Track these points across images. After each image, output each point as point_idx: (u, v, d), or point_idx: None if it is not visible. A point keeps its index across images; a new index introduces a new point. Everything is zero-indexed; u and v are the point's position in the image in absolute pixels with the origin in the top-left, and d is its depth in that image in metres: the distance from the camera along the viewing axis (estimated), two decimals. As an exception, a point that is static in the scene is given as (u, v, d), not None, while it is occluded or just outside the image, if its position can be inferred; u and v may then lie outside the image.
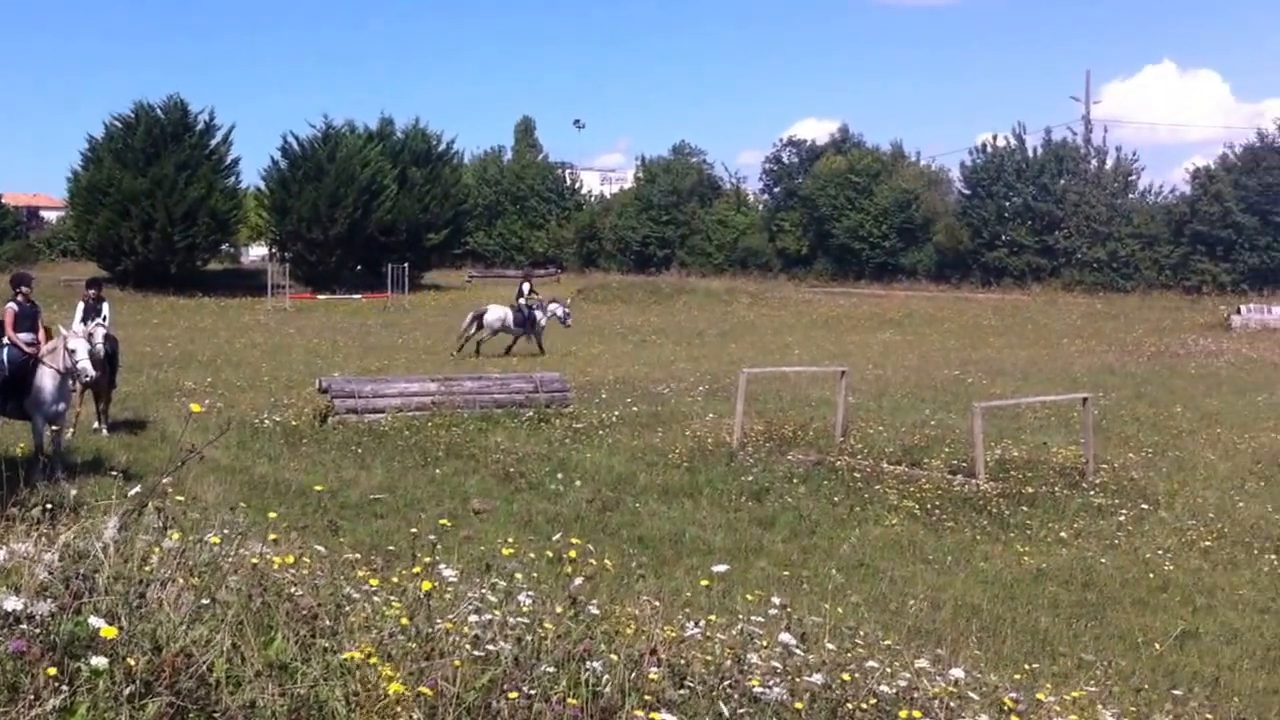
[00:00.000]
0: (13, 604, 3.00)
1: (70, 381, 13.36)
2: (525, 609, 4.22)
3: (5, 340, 13.72)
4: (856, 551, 11.01)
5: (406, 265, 51.27)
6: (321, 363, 25.36)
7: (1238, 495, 13.47)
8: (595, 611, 4.16)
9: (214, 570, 3.73)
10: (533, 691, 3.25)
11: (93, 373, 13.42)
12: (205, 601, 3.35)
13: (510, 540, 6.23)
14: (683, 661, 4.03)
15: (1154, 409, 20.00)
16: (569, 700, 3.20)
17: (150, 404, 18.15)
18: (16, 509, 4.27)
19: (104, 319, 15.95)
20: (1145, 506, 12.77)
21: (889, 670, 4.41)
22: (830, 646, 4.50)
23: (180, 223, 52.02)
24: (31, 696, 2.68)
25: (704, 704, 3.68)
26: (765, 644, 4.42)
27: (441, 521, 5.04)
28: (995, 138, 63.62)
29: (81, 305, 16.42)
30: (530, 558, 5.97)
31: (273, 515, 5.24)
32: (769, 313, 45.68)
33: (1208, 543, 11.45)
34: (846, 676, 4.09)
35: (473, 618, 3.93)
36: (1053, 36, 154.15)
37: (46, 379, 13.05)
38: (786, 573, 9.64)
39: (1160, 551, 11.19)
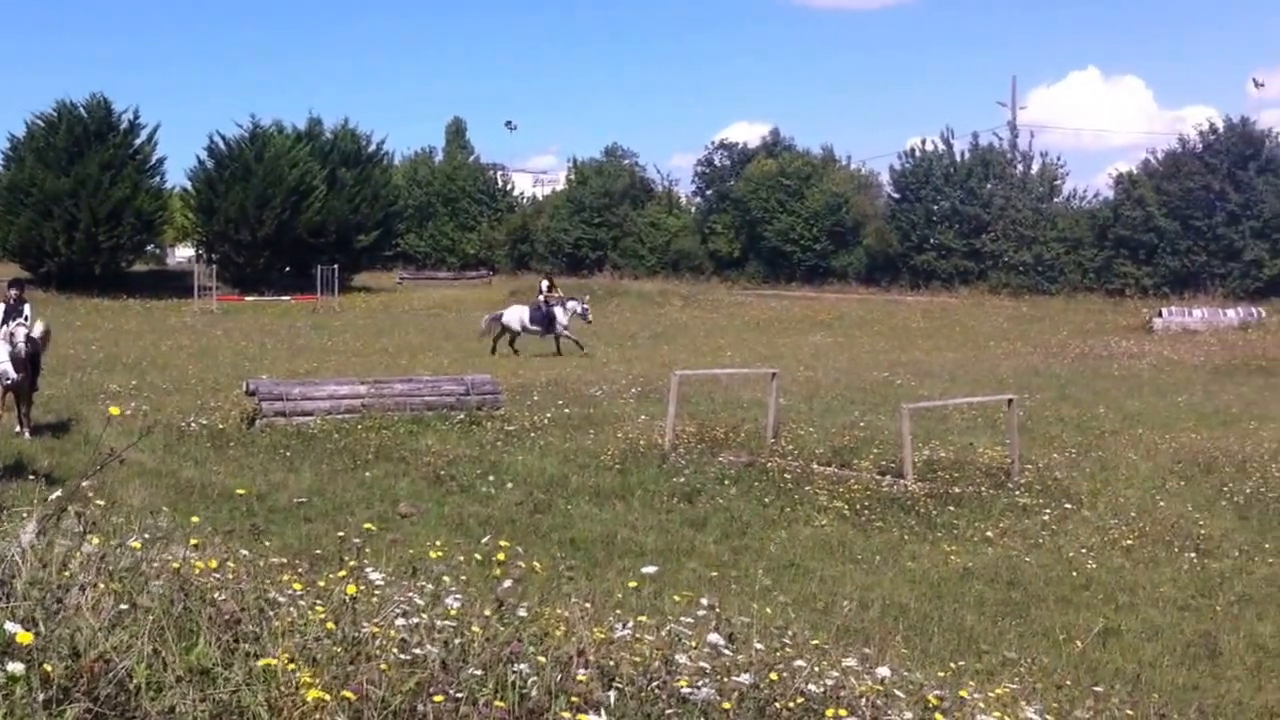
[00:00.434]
0: (-74, 611, 2.94)
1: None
2: (453, 612, 4.20)
3: None
4: (786, 552, 11.09)
5: (336, 267, 50.88)
6: (249, 365, 25.10)
7: (1158, 494, 13.71)
8: (524, 614, 4.16)
9: (135, 575, 3.67)
10: (459, 694, 3.24)
11: (14, 375, 13.19)
12: (125, 607, 3.30)
13: (440, 543, 6.22)
14: (611, 663, 4.03)
15: (1078, 410, 20.30)
16: (496, 703, 3.19)
17: (74, 407, 17.86)
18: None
19: (25, 319, 15.67)
20: (1069, 506, 12.96)
21: (817, 669, 4.43)
22: (759, 646, 4.51)
23: (104, 223, 51.27)
24: (-55, 704, 2.63)
25: (632, 705, 3.68)
26: (694, 644, 4.43)
27: (366, 525, 5.01)
28: (924, 142, 64.31)
29: (2, 306, 16.12)
30: (459, 560, 5.96)
31: (196, 519, 5.17)
32: (701, 315, 45.83)
33: (1129, 541, 11.65)
34: (774, 676, 4.11)
35: (400, 621, 3.90)
36: (980, 42, 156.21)
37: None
38: (715, 573, 9.67)
39: (1083, 550, 11.37)
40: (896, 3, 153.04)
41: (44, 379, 16.75)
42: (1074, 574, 10.62)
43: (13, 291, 16.33)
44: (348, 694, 2.98)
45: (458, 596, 4.46)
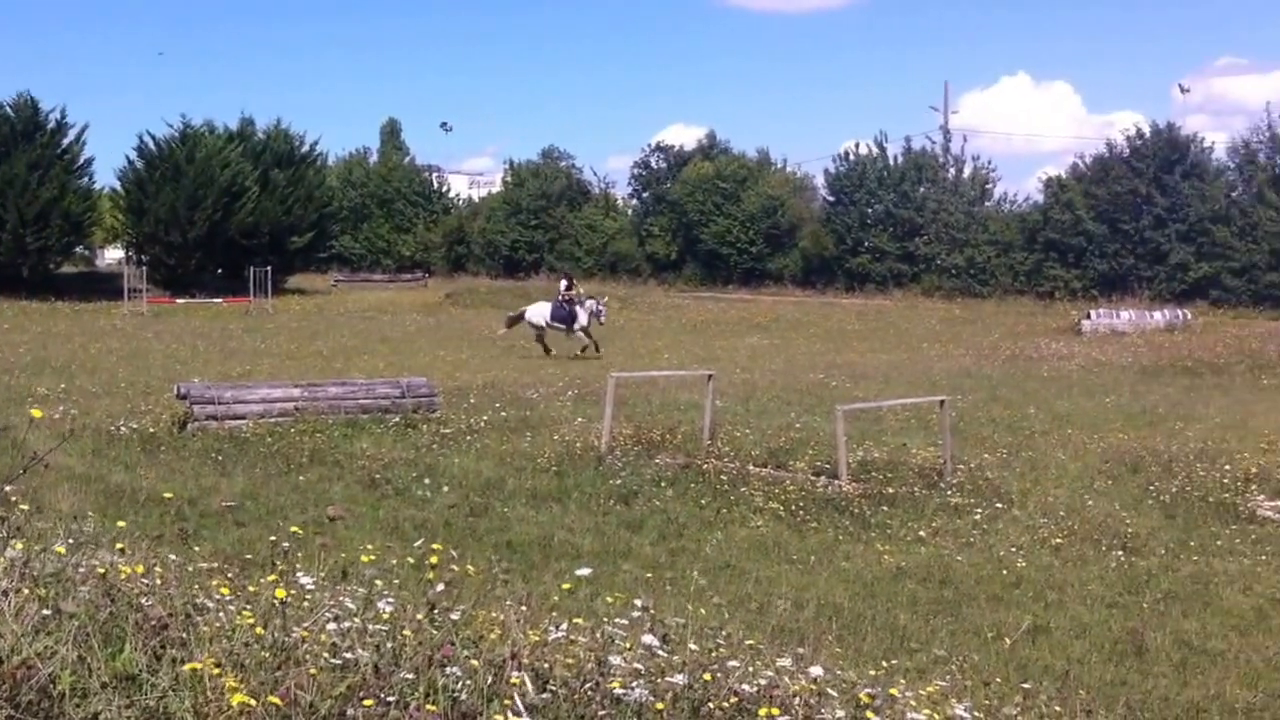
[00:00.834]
0: None
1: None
2: (386, 616, 4.18)
3: None
4: (722, 553, 11.13)
5: (269, 269, 50.43)
6: (181, 368, 24.82)
7: (1087, 494, 13.90)
8: (456, 617, 4.14)
9: (60, 581, 3.63)
10: (391, 699, 3.23)
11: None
12: (49, 612, 3.26)
13: (374, 547, 6.18)
14: (546, 665, 4.03)
15: (1009, 411, 20.54)
16: (427, 706, 3.19)
17: (1, 411, 17.55)
18: None
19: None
20: (1000, 505, 13.11)
21: (751, 669, 4.46)
22: (693, 647, 4.53)
23: (32, 224, 50.46)
24: None
25: (565, 707, 3.69)
26: (629, 646, 4.45)
27: (294, 529, 4.97)
28: (858, 146, 64.91)
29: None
30: (393, 564, 5.92)
31: (122, 524, 5.10)
32: (638, 317, 45.87)
33: (1058, 540, 11.80)
34: (708, 676, 4.13)
35: (331, 625, 3.88)
36: (913, 47, 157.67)
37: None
38: (651, 575, 9.69)
39: (1013, 549, 11.50)
40: (831, 6, 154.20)
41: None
42: (1004, 572, 10.74)
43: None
44: (274, 699, 2.96)
45: (390, 600, 4.44)
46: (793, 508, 12.61)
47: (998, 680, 6.63)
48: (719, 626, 5.80)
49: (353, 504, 12.39)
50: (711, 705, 3.96)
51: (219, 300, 49.48)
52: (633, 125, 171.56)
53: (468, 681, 3.45)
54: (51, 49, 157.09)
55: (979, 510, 12.84)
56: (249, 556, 7.42)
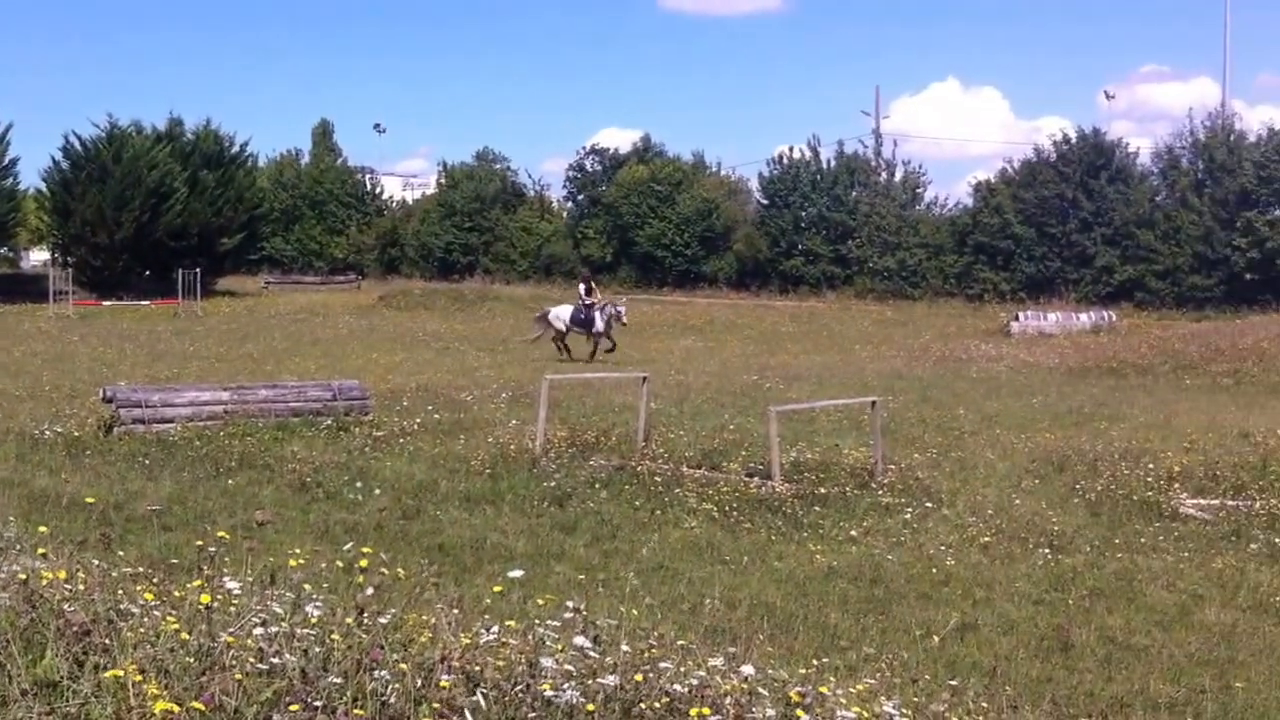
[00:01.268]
0: None
1: None
2: (314, 620, 4.15)
3: None
4: (656, 554, 11.14)
5: (198, 271, 49.82)
6: (108, 371, 24.46)
7: (1015, 493, 14.07)
8: (386, 621, 4.12)
9: (-21, 587, 3.57)
10: (318, 703, 3.21)
11: None
12: (-32, 620, 3.20)
13: (302, 551, 6.13)
14: (476, 668, 4.02)
15: (939, 411, 20.74)
16: (355, 711, 3.17)
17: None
18: None
19: None
20: (929, 505, 13.23)
21: (682, 669, 4.47)
22: (626, 648, 4.53)
23: (-46, 226, 49.56)
24: None
25: (496, 709, 3.68)
26: (561, 648, 4.44)
27: (221, 533, 4.92)
28: (791, 149, 65.36)
29: None
30: (322, 568, 5.88)
31: (44, 530, 5.03)
32: (572, 319, 45.76)
33: (987, 538, 11.93)
34: (640, 677, 4.14)
35: (258, 630, 3.85)
36: (845, 52, 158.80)
37: None
38: (584, 577, 9.69)
39: (943, 547, 11.61)
40: (764, 11, 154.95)
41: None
42: (934, 571, 10.85)
43: None
44: (197, 705, 2.93)
45: (319, 604, 4.40)
46: (726, 508, 12.65)
47: (926, 677, 6.70)
48: (651, 627, 5.81)
49: (283, 508, 12.27)
50: (643, 706, 3.97)
51: (147, 302, 48.84)
52: (567, 128, 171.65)
53: (397, 685, 3.44)
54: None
55: (909, 510, 12.96)
56: (175, 562, 7.32)
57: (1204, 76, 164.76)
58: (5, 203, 52.83)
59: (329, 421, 17.07)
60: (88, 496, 11.71)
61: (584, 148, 74.89)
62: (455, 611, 4.71)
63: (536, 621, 4.79)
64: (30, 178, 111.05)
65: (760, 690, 4.38)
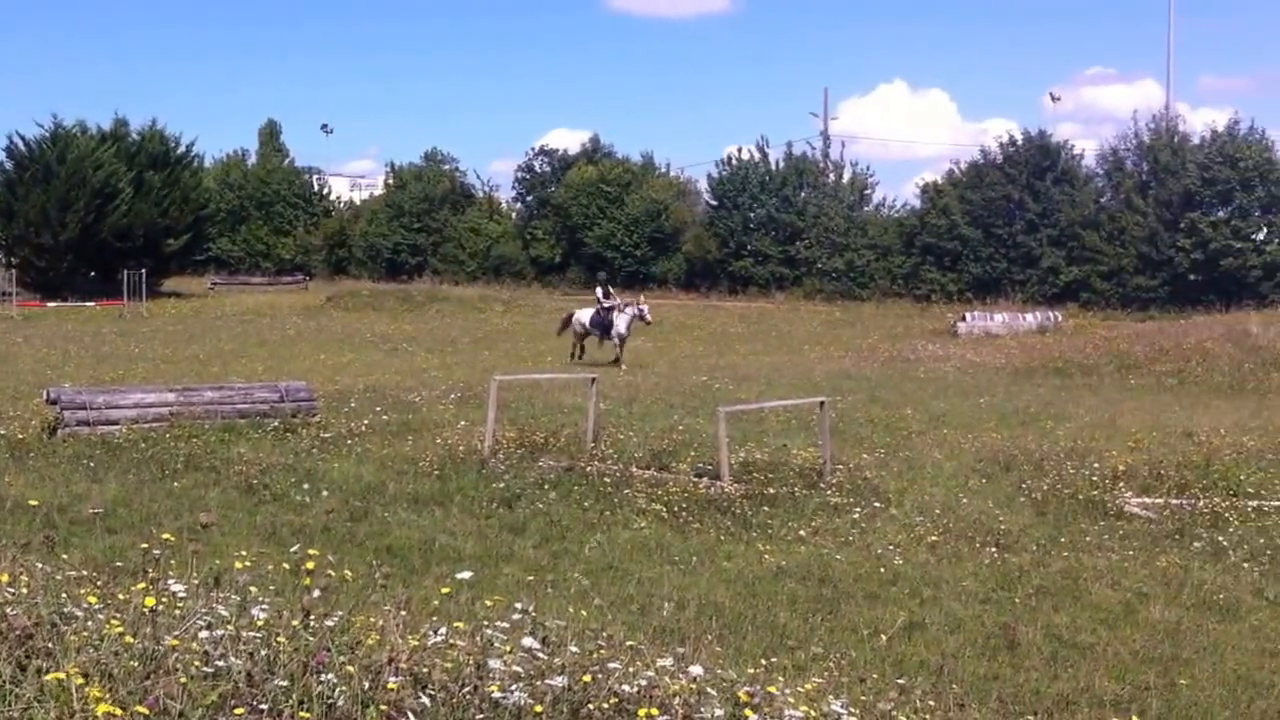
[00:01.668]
0: None
1: None
2: (260, 623, 4.12)
3: None
4: (605, 554, 11.14)
5: (144, 272, 49.27)
6: (52, 373, 24.16)
7: (962, 492, 14.19)
8: (332, 623, 4.10)
9: (-83, 592, 3.52)
10: (264, 706, 3.19)
11: None
12: (-95, 625, 3.16)
13: (247, 553, 6.08)
14: (424, 670, 4.01)
15: (887, 411, 20.87)
16: (301, 714, 3.15)
17: None
18: None
19: None
20: (878, 504, 13.32)
21: (631, 670, 4.48)
22: (574, 649, 4.54)
23: (-106, 226, 48.78)
24: None
25: (444, 711, 3.67)
26: (509, 649, 4.44)
27: (166, 536, 4.87)
28: (740, 150, 65.59)
29: None
30: (269, 570, 5.84)
31: (-15, 533, 4.96)
32: (522, 320, 45.72)
33: (934, 538, 12.02)
34: (588, 678, 4.14)
35: (204, 633, 3.82)
36: (793, 54, 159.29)
37: None
38: (533, 578, 9.68)
39: (891, 547, 11.69)
40: (712, 12, 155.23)
41: None
42: (882, 570, 10.91)
43: None
44: (141, 709, 2.90)
45: (265, 607, 4.37)
46: (675, 509, 12.67)
47: (874, 676, 6.73)
48: (600, 628, 5.82)
49: (229, 510, 12.17)
50: (591, 707, 3.98)
51: (92, 303, 48.39)
52: (516, 129, 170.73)
53: (344, 687, 3.42)
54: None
55: (857, 509, 13.03)
56: (120, 564, 7.24)
57: (1148, 79, 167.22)
58: (-53, 203, 52.17)
59: (276, 423, 16.95)
60: (31, 499, 11.57)
61: (533, 148, 74.96)
62: (403, 613, 4.69)
63: (485, 623, 4.78)
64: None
65: (709, 690, 4.39)
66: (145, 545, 5.17)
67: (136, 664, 3.29)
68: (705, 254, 63.96)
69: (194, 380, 21.35)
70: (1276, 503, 13.71)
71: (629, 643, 5.35)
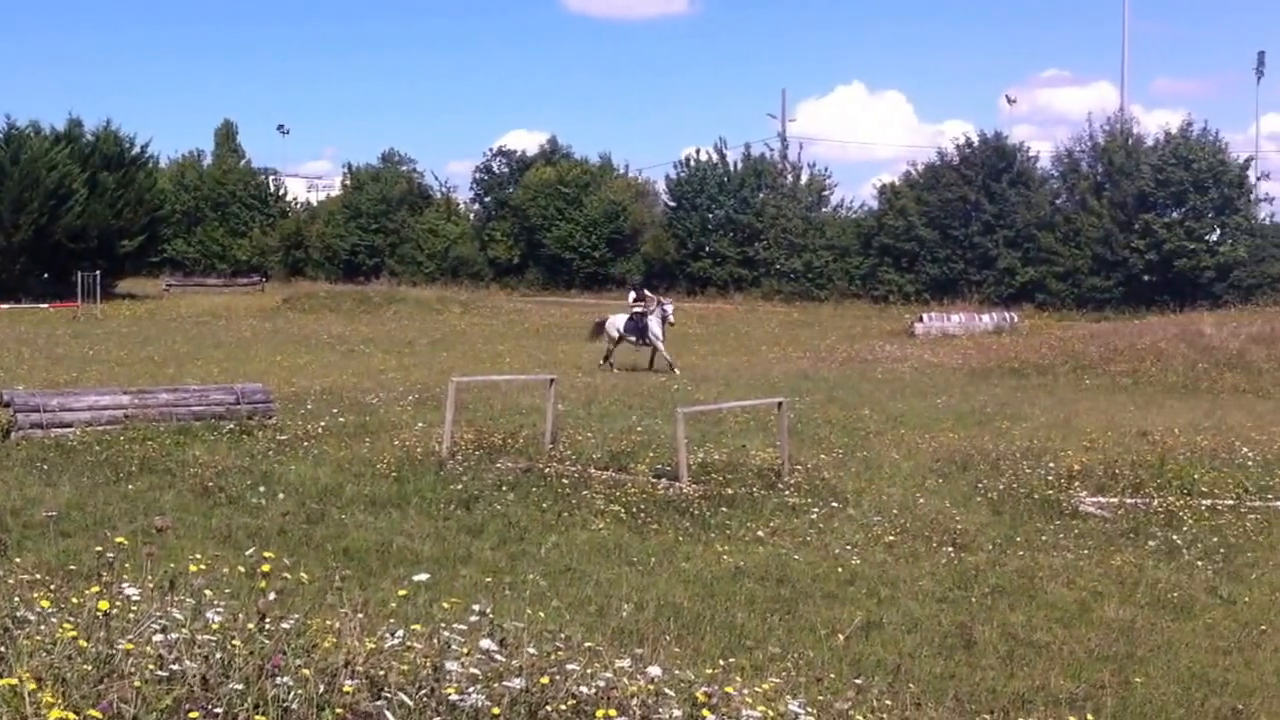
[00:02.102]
0: None
1: None
2: (215, 626, 4.10)
3: None
4: (563, 556, 11.13)
5: (98, 273, 48.79)
6: (4, 375, 23.87)
7: (919, 492, 14.27)
8: (288, 626, 4.08)
9: None
10: (219, 710, 3.17)
11: None
12: None
13: (202, 556, 6.04)
14: (381, 672, 4.00)
15: (844, 412, 20.96)
16: (256, 717, 3.14)
17: None
18: None
19: None
20: (835, 504, 13.36)
21: (589, 671, 4.48)
22: (532, 651, 4.54)
23: None
24: None
25: (401, 714, 3.66)
26: (466, 651, 4.43)
27: (120, 539, 4.83)
28: (698, 152, 65.71)
29: None
30: (224, 573, 5.80)
31: (-66, 537, 4.91)
32: (480, 321, 45.63)
33: (891, 537, 12.08)
34: (546, 680, 4.14)
35: (158, 637, 3.79)
36: (751, 55, 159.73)
37: None
38: (491, 579, 9.66)
39: (848, 547, 11.73)
40: (670, 14, 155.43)
41: None
42: (839, 570, 10.95)
43: None
44: (94, 713, 2.88)
45: (220, 610, 4.35)
46: (634, 510, 12.68)
47: (831, 676, 6.77)
48: (558, 629, 5.82)
49: (184, 513, 12.07)
50: (549, 708, 3.98)
51: (45, 305, 47.94)
52: (474, 129, 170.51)
53: (299, 691, 3.41)
54: None
55: (815, 510, 13.08)
56: (73, 568, 7.18)
57: (1103, 81, 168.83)
58: (-104, 204, 51.42)
59: (232, 425, 16.85)
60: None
61: (491, 149, 74.68)
62: (360, 616, 4.68)
63: (442, 625, 4.77)
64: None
65: (667, 691, 4.40)
66: (99, 549, 5.12)
67: (90, 668, 3.26)
68: (664, 255, 64.06)
69: (149, 382, 21.16)
70: (1230, 501, 13.86)
71: (587, 644, 5.35)
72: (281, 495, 13.05)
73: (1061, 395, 25.29)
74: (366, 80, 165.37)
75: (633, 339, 29.11)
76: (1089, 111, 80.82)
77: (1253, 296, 47.37)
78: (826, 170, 65.77)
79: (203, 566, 4.81)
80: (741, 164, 64.69)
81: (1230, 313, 39.59)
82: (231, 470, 14.23)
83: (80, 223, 54.31)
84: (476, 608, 4.96)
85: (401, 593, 5.54)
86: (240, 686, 3.37)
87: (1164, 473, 14.92)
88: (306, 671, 3.56)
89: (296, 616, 4.39)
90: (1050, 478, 14.70)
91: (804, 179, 64.74)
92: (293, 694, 3.36)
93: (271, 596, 4.18)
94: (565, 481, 13.82)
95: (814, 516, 12.83)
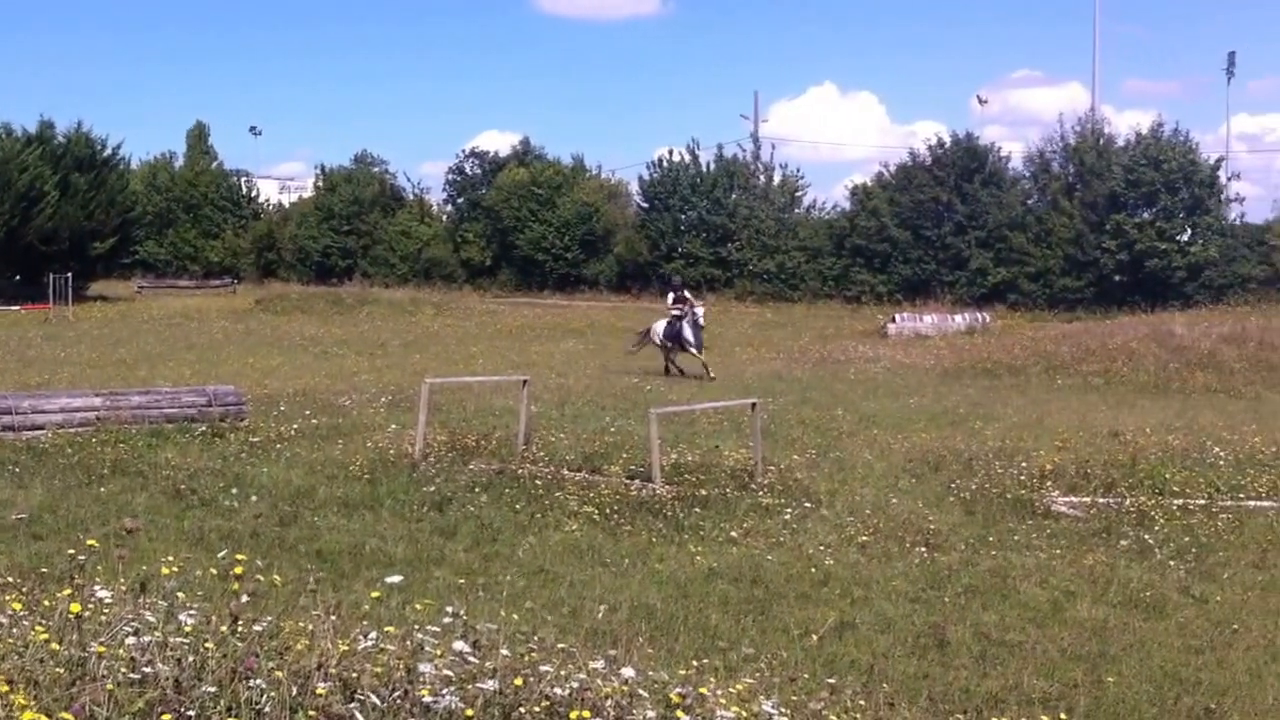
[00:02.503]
0: None
1: None
2: (188, 628, 4.09)
3: None
4: (537, 557, 11.12)
5: (70, 275, 48.51)
6: (-27, 378, 23.73)
7: (892, 492, 14.31)
8: (260, 628, 4.07)
9: None
10: (191, 713, 3.17)
11: None
12: None
13: (175, 558, 6.02)
14: (354, 675, 3.99)
15: (817, 412, 21.02)
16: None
17: None
18: None
19: None
20: (809, 505, 13.39)
21: (563, 673, 4.49)
22: (505, 652, 4.53)
23: None
24: None
25: (374, 716, 3.66)
26: (440, 653, 4.43)
27: (91, 542, 4.81)
28: (671, 153, 65.80)
29: None
30: (197, 575, 5.78)
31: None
32: (453, 323, 45.53)
33: (865, 538, 12.11)
34: (520, 681, 4.15)
35: (130, 640, 3.78)
36: (723, 56, 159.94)
37: None
38: (464, 581, 9.64)
39: (822, 547, 11.76)
40: (642, 15, 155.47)
41: None
42: (813, 570, 10.97)
43: None
44: (66, 716, 2.87)
45: (193, 613, 4.34)
46: (607, 511, 12.67)
47: (805, 676, 6.77)
48: (532, 631, 5.82)
49: (157, 515, 12.01)
50: (523, 710, 3.98)
51: (16, 307, 47.68)
52: (447, 131, 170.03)
53: (272, 693, 3.40)
54: None
55: (789, 510, 13.10)
56: (45, 571, 7.15)
57: (1074, 82, 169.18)
58: None
59: (204, 427, 16.77)
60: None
61: (463, 150, 74.60)
62: (333, 618, 4.66)
63: (415, 627, 4.76)
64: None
65: (641, 692, 4.41)
66: (71, 551, 5.10)
67: (62, 671, 3.25)
68: (636, 256, 64.07)
69: (120, 385, 21.03)
70: (1202, 501, 13.94)
71: (561, 645, 5.35)
72: (254, 497, 13.00)
73: (1034, 395, 25.42)
74: (339, 82, 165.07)
75: (671, 345, 28.46)
76: (1060, 112, 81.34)
77: (1224, 296, 47.76)
78: (799, 171, 65.87)
79: (175, 569, 4.79)
80: (714, 165, 64.80)
81: (1201, 313, 39.91)
82: (204, 472, 14.16)
83: (52, 225, 54.06)
84: (450, 609, 4.96)
85: (375, 595, 5.53)
86: (213, 689, 3.37)
87: (1136, 472, 15.01)
88: (280, 674, 3.55)
89: (269, 619, 4.38)
90: (1023, 478, 14.76)
91: (776, 180, 64.91)
92: (266, 696, 3.36)
93: (244, 599, 4.17)
94: (538, 483, 13.80)
95: (787, 517, 12.84)
